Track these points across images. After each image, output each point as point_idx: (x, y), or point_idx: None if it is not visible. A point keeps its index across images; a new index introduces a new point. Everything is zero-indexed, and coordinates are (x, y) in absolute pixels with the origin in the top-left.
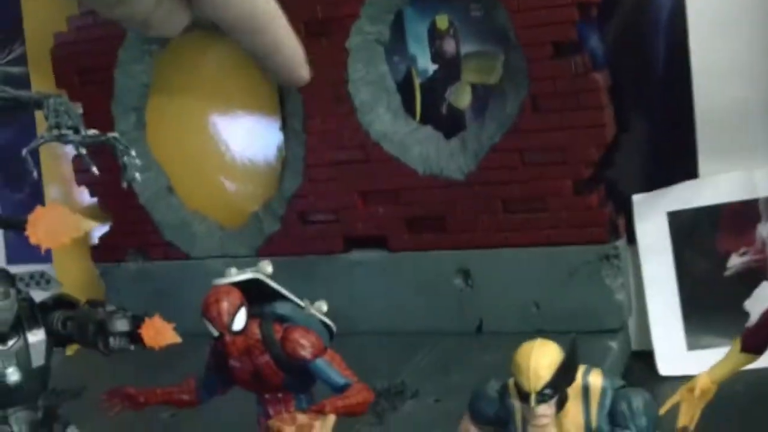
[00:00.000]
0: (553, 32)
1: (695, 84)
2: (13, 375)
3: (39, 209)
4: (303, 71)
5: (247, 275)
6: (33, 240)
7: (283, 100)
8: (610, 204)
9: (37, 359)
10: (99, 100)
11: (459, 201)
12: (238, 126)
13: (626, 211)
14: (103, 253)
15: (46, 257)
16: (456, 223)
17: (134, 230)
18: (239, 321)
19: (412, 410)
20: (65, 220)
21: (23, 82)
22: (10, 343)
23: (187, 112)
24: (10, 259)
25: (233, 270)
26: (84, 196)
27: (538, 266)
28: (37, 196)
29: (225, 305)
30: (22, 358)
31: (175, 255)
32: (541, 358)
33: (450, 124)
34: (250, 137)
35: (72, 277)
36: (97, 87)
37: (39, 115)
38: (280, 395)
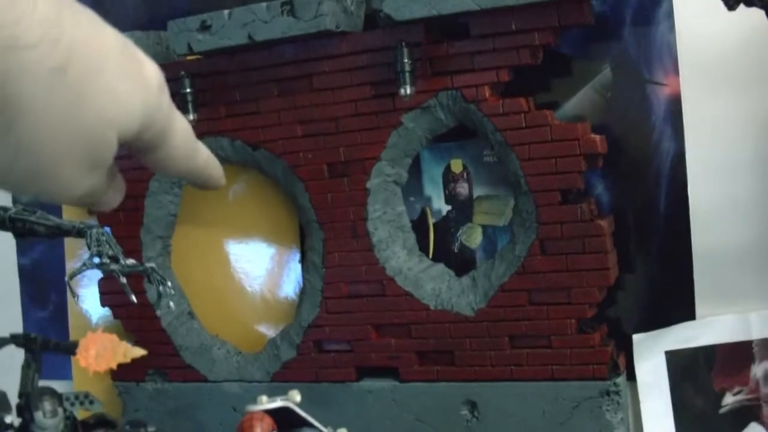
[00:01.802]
0: (561, 180)
1: (693, 230)
2: None
3: (90, 335)
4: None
5: (277, 403)
6: (83, 363)
7: (303, 235)
8: (612, 342)
9: None
10: (128, 227)
11: (468, 336)
12: (259, 256)
13: (626, 349)
14: (123, 372)
15: (66, 374)
16: (464, 357)
17: (155, 352)
18: None
19: None
20: (114, 347)
21: (56, 207)
22: None
23: (211, 242)
24: None
25: (264, 398)
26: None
27: (543, 400)
28: (61, 315)
29: (258, 430)
30: None
31: (194, 377)
32: None
33: (461, 263)
34: (270, 268)
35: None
36: (128, 214)
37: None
38: None
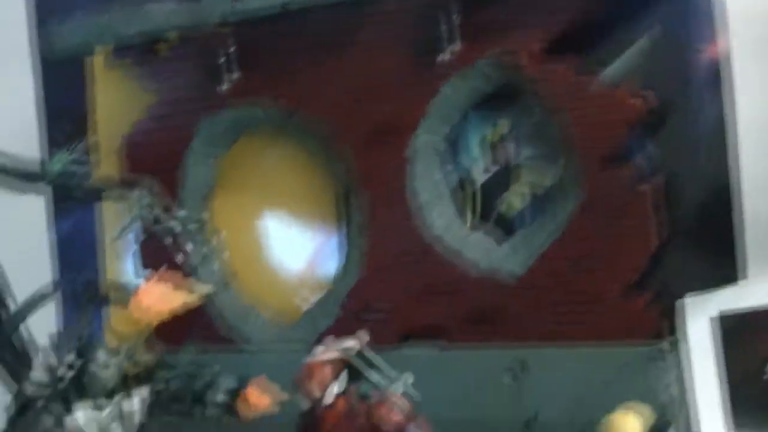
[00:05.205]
0: (605, 144)
1: (744, 193)
2: None
3: (147, 282)
4: None
5: (336, 353)
6: (138, 311)
7: (345, 201)
8: (657, 306)
9: (136, 421)
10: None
11: (511, 300)
12: (297, 225)
13: (672, 314)
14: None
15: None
16: (510, 320)
17: (193, 321)
18: (331, 394)
19: None
20: (174, 290)
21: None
22: (112, 405)
23: (248, 211)
24: None
25: (320, 348)
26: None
27: (587, 365)
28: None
29: (319, 379)
30: (121, 421)
31: (230, 346)
32: (632, 423)
33: (501, 229)
34: (308, 236)
35: None
36: (164, 187)
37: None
38: None
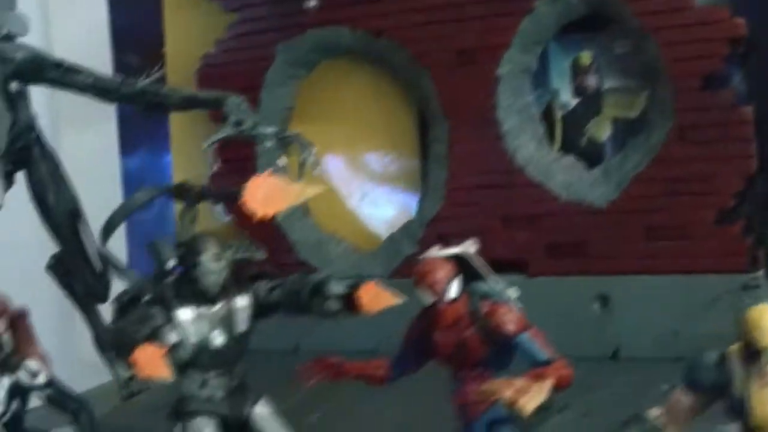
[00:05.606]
0: (703, 65)
1: None
2: (217, 338)
3: (257, 178)
4: None
5: (455, 250)
6: (251, 206)
7: (426, 126)
8: (751, 235)
9: (241, 325)
10: None
11: (600, 228)
12: (376, 150)
13: (765, 244)
14: None
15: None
16: (596, 250)
17: (268, 248)
18: (453, 290)
19: (561, 423)
20: (284, 188)
21: None
22: (218, 307)
23: (327, 136)
24: None
25: (436, 248)
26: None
27: (678, 294)
28: (164, 218)
29: (441, 273)
30: (227, 323)
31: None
32: None
33: (588, 156)
34: (386, 162)
35: None
36: None
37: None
38: (478, 372)
